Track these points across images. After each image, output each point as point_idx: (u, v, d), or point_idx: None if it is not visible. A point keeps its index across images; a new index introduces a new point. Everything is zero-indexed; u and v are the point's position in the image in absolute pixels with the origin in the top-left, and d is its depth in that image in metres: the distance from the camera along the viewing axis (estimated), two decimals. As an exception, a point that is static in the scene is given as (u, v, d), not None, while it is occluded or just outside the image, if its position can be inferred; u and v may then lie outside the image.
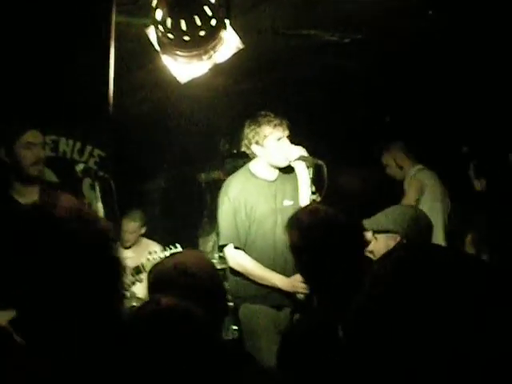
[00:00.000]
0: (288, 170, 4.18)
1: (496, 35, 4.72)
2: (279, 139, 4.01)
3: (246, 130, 4.07)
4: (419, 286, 1.20)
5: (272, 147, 4.03)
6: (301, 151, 4.03)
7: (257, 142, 4.03)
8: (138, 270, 4.84)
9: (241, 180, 4.19)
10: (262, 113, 4.06)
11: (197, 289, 1.96)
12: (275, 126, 3.98)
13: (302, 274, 2.60)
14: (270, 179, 4.19)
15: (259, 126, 4.00)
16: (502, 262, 2.65)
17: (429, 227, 3.40)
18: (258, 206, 4.12)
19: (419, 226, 3.34)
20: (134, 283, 4.70)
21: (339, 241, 2.33)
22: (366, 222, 3.24)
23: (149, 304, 1.39)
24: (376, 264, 1.34)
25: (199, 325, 1.25)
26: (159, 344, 1.25)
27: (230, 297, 4.08)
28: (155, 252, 4.93)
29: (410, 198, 5.49)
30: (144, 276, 4.76)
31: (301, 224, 2.43)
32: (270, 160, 4.11)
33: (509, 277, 1.25)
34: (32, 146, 3.69)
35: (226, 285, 4.24)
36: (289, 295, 4.10)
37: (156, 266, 2.14)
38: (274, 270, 4.08)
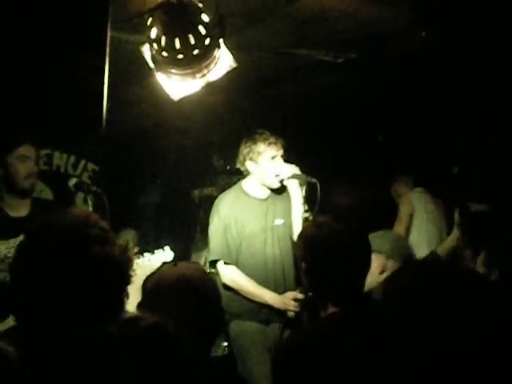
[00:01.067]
0: (280, 188, 4.20)
1: (485, 56, 4.78)
2: (273, 157, 4.04)
3: (242, 147, 4.12)
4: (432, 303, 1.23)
5: (265, 165, 4.05)
6: (294, 169, 4.05)
7: (251, 159, 4.07)
8: None
9: (232, 198, 4.20)
10: (259, 131, 4.10)
11: (199, 301, 1.97)
12: (270, 144, 4.02)
13: (306, 284, 2.61)
14: (261, 197, 4.20)
15: (254, 143, 4.04)
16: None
17: (409, 250, 3.66)
18: (248, 224, 4.13)
19: (401, 247, 3.54)
20: None
21: (342, 256, 2.35)
22: None
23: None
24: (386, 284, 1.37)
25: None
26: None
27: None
28: (143, 255, 4.99)
29: (401, 215, 5.59)
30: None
31: (305, 235, 2.47)
32: (262, 178, 4.13)
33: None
34: (26, 160, 3.70)
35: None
36: (279, 311, 4.12)
37: (154, 274, 2.13)
38: (265, 287, 4.10)
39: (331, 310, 2.32)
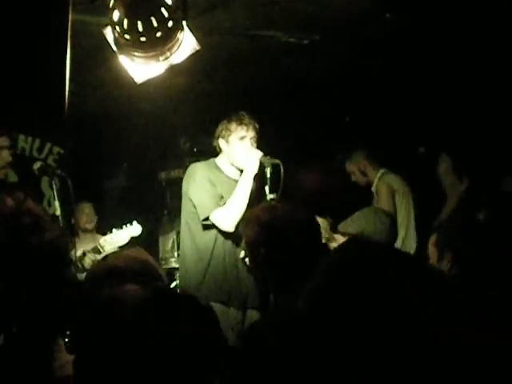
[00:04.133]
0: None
1: (451, 37, 4.82)
2: (242, 138, 4.12)
3: (219, 125, 4.22)
4: (352, 284, 1.25)
5: (233, 144, 4.14)
6: (259, 153, 4.11)
7: (223, 137, 4.17)
8: (96, 251, 5.00)
9: (206, 168, 4.25)
10: (239, 112, 4.18)
11: None
12: (241, 124, 4.11)
13: (257, 272, 2.60)
14: (232, 177, 4.24)
15: (229, 122, 4.15)
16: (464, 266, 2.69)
17: (387, 227, 3.63)
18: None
19: (379, 227, 3.56)
20: (93, 262, 4.75)
21: (296, 236, 2.35)
22: (340, 226, 3.51)
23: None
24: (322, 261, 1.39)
25: None
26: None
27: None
28: (110, 232, 5.03)
29: (384, 202, 5.58)
30: (102, 255, 4.86)
31: (258, 220, 2.45)
32: (230, 157, 4.20)
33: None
34: (0, 150, 3.69)
35: (176, 284, 4.27)
36: (240, 295, 4.17)
37: (91, 267, 2.13)
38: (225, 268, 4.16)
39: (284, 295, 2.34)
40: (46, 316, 1.32)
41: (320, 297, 1.28)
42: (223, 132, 4.16)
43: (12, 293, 1.48)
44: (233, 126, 4.12)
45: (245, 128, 4.12)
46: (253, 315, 4.22)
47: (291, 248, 2.33)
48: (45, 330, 1.34)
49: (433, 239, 3.01)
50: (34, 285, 1.51)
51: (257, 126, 4.18)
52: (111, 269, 1.96)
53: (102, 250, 5.00)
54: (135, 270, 1.98)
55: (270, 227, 2.38)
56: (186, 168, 6.33)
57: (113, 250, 4.72)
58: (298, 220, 2.41)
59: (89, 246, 5.13)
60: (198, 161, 4.52)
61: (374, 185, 5.76)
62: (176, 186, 6.64)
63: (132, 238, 5.22)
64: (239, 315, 4.18)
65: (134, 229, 5.30)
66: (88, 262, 4.90)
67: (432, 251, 2.88)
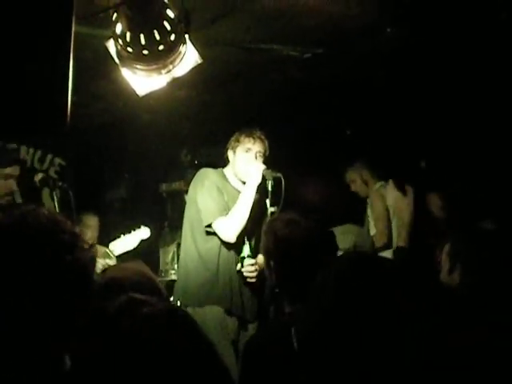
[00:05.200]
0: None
1: (454, 50, 4.83)
2: (247, 150, 4.20)
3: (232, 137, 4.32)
4: (363, 291, 1.26)
5: (238, 155, 4.23)
6: (261, 166, 4.17)
7: (231, 148, 4.29)
8: (106, 255, 5.12)
9: (216, 175, 4.31)
10: (253, 126, 4.29)
11: None
12: (248, 136, 4.21)
13: (269, 279, 2.61)
14: (237, 188, 4.30)
15: (239, 134, 4.26)
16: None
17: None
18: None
19: (365, 242, 3.59)
20: (104, 267, 4.76)
21: (309, 254, 2.36)
22: None
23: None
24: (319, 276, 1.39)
25: None
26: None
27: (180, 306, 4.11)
28: (119, 236, 5.03)
29: (378, 212, 5.57)
30: (112, 260, 4.87)
31: (276, 232, 2.47)
32: (234, 168, 4.27)
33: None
34: (8, 178, 3.72)
35: (176, 294, 4.28)
36: (241, 304, 4.18)
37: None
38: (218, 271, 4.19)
39: (296, 306, 2.35)
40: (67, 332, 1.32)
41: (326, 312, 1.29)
42: (232, 143, 4.27)
43: (37, 310, 1.46)
44: (241, 137, 4.23)
45: (252, 141, 4.20)
46: (250, 328, 4.23)
47: (302, 264, 2.34)
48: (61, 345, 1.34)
49: (446, 249, 2.99)
50: (60, 303, 1.50)
51: (266, 142, 4.27)
52: (110, 281, 1.96)
53: (112, 255, 5.03)
54: (134, 283, 1.97)
55: (285, 242, 2.40)
56: (186, 180, 6.42)
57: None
58: (313, 238, 2.42)
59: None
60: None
61: (370, 196, 5.75)
62: (177, 198, 6.66)
63: (134, 247, 5.23)
64: (237, 325, 4.19)
65: (143, 232, 5.31)
66: (99, 267, 4.91)
67: (444, 261, 2.88)
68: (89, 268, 1.62)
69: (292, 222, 2.46)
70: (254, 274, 4.14)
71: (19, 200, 4.23)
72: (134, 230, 5.21)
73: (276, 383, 2.10)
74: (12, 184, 3.75)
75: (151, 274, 2.17)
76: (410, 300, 1.26)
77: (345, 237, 3.63)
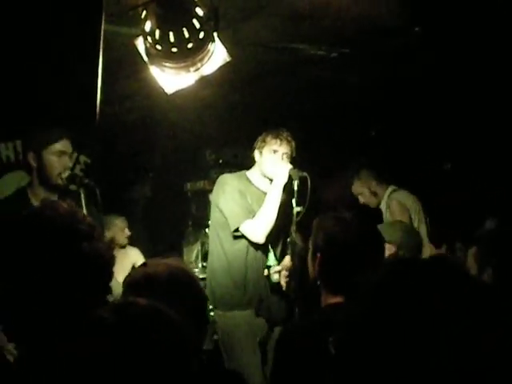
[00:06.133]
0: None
1: (479, 50, 4.79)
2: (274, 151, 4.22)
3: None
4: (404, 299, 1.25)
5: (265, 156, 4.25)
6: (289, 166, 4.18)
7: (258, 148, 4.31)
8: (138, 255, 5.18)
9: (236, 179, 4.34)
10: (281, 128, 4.32)
11: (165, 295, 1.95)
12: (276, 137, 4.22)
13: (312, 269, 2.61)
14: (262, 189, 4.30)
15: (266, 134, 4.28)
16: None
17: (419, 241, 3.74)
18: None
19: (411, 239, 3.58)
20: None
21: (360, 250, 2.38)
22: None
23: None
24: (369, 276, 1.38)
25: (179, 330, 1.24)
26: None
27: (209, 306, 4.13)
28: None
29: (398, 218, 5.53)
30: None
31: (327, 229, 2.48)
32: (261, 168, 4.29)
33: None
34: (61, 155, 3.71)
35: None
36: (268, 306, 4.17)
37: (128, 275, 2.11)
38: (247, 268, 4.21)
39: (335, 299, 2.36)
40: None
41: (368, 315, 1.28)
42: (259, 143, 4.29)
43: (55, 298, 1.48)
44: (268, 138, 4.24)
45: (278, 142, 4.22)
46: (277, 330, 4.24)
47: (349, 261, 2.35)
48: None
49: (472, 251, 2.98)
50: (79, 294, 1.51)
51: (293, 144, 4.27)
52: (151, 276, 1.95)
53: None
54: (177, 279, 1.98)
55: (335, 239, 2.41)
56: (211, 179, 6.43)
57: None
58: (362, 236, 2.43)
59: (124, 262, 5.13)
60: (223, 173, 4.58)
61: (384, 202, 5.70)
62: (201, 197, 6.67)
63: (156, 247, 5.25)
64: (264, 326, 4.20)
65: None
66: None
67: (471, 263, 2.86)
68: (105, 258, 1.63)
69: (342, 220, 2.47)
70: (283, 281, 4.17)
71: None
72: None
73: (308, 375, 2.11)
74: (67, 161, 3.73)
75: (190, 271, 2.20)
76: (451, 303, 1.24)
77: (393, 230, 3.63)
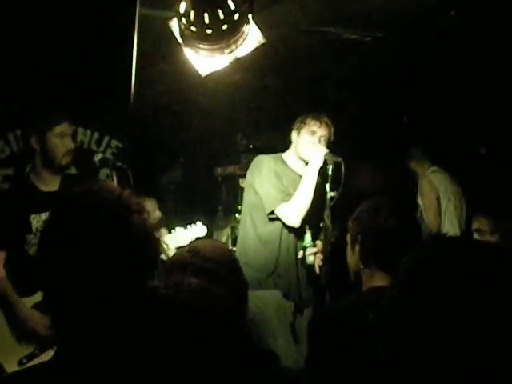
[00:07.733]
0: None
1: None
2: (312, 133, 4.20)
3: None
4: (441, 282, 1.22)
5: (303, 137, 4.23)
6: (325, 149, 4.16)
7: (296, 129, 4.29)
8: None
9: (272, 160, 4.32)
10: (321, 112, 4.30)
11: (211, 271, 1.97)
12: (315, 119, 4.22)
13: (351, 252, 2.60)
14: (297, 172, 4.29)
15: (306, 117, 4.27)
16: None
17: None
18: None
19: None
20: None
21: (400, 238, 2.37)
22: None
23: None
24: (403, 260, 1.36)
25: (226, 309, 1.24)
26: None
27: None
28: (174, 230, 5.00)
29: (428, 200, 5.52)
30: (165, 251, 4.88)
31: (367, 218, 2.47)
32: (297, 149, 4.27)
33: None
34: (64, 136, 3.78)
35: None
36: (296, 288, 4.20)
37: (174, 254, 2.14)
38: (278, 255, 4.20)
39: (377, 283, 2.35)
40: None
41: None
42: (298, 124, 4.28)
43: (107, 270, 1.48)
44: (308, 119, 4.22)
45: (318, 124, 4.20)
46: (306, 312, 4.23)
47: (389, 249, 2.34)
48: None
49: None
50: (133, 267, 1.51)
51: (332, 128, 4.26)
52: (199, 254, 1.97)
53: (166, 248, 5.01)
54: (223, 259, 1.99)
55: (376, 228, 2.41)
56: (241, 165, 6.42)
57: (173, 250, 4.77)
58: (403, 225, 2.43)
59: None
60: (253, 158, 4.54)
61: (419, 182, 5.72)
62: (231, 181, 6.66)
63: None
64: (293, 308, 4.20)
65: (199, 229, 5.23)
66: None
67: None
68: (154, 234, 1.63)
69: (381, 205, 2.45)
70: (317, 263, 4.15)
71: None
72: (190, 224, 5.11)
73: (345, 356, 2.10)
74: (69, 142, 3.81)
75: (230, 251, 2.22)
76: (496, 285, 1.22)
77: None
